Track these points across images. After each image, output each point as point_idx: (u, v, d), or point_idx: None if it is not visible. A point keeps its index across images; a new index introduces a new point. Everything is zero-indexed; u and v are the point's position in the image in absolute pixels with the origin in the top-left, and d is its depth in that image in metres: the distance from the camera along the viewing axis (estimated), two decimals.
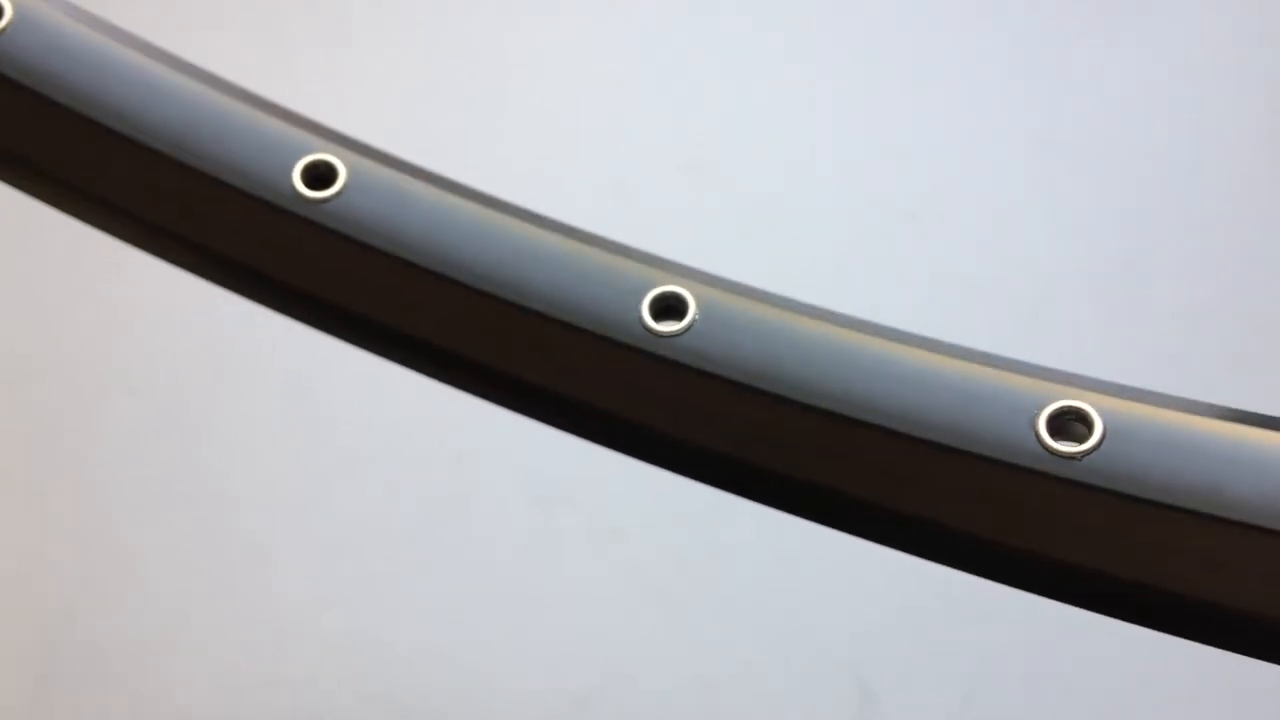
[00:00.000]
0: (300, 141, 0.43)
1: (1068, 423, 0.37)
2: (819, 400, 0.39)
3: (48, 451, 1.21)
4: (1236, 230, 1.31)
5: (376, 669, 1.10)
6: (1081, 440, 0.37)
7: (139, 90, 0.44)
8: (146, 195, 0.44)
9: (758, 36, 1.44)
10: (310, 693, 1.10)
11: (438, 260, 0.42)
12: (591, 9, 1.46)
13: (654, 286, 0.41)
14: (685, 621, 1.12)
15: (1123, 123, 1.36)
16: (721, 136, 1.37)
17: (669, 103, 1.39)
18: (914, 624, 1.12)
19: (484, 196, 0.43)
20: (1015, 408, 0.38)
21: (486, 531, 1.17)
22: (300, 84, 1.32)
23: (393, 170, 0.43)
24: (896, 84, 1.40)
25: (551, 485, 1.17)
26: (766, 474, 0.40)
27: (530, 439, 1.02)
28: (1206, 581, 0.36)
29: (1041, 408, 0.37)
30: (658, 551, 1.15)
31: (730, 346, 0.40)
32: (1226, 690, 1.08)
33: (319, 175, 0.43)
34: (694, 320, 0.40)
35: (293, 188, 0.42)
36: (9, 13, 0.44)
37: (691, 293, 0.40)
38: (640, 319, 0.40)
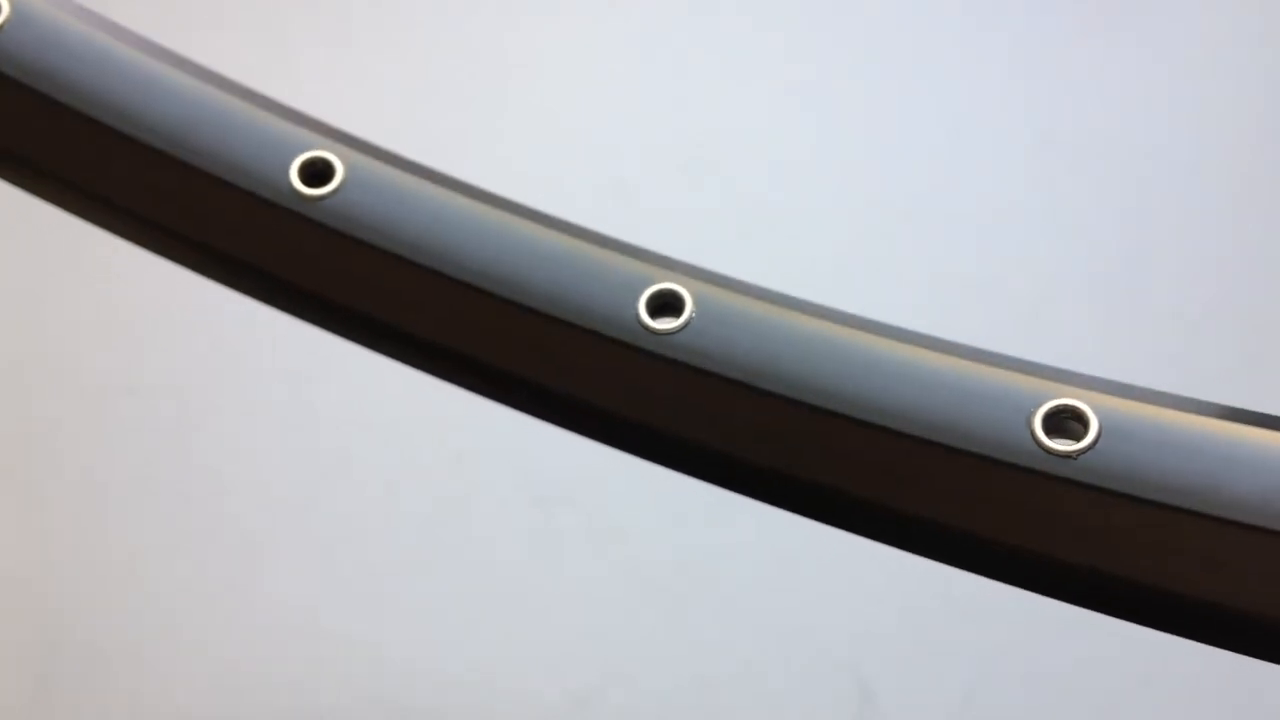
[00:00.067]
0: (297, 138, 0.43)
1: (1063, 421, 0.37)
2: (814, 398, 0.39)
3: (48, 451, 1.21)
4: (1236, 230, 1.31)
5: (376, 669, 1.10)
6: (1077, 439, 0.37)
7: (135, 87, 0.44)
8: (143, 192, 0.44)
9: (758, 36, 1.44)
10: (310, 693, 1.10)
11: (434, 257, 0.42)
12: (591, 9, 1.46)
13: (651, 284, 0.41)
14: (685, 621, 1.12)
15: (1123, 123, 1.36)
16: (721, 136, 1.37)
17: (669, 103, 1.39)
18: (914, 624, 1.11)
19: (481, 193, 0.43)
20: (1011, 406, 0.38)
21: (486, 531, 1.17)
22: (300, 84, 1.32)
23: (390, 167, 0.43)
24: (896, 84, 1.40)
25: (551, 485, 1.17)
26: (761, 470, 0.40)
27: (530, 439, 1.02)
28: (1202, 580, 0.36)
29: (1037, 406, 0.37)
30: (658, 551, 1.15)
31: (727, 344, 0.40)
32: (1226, 690, 1.08)
33: (316, 172, 0.43)
34: (691, 318, 0.40)
35: (290, 185, 0.42)
36: (6, 10, 0.44)
37: (688, 290, 0.40)
38: (637, 316, 0.40)
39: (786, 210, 1.32)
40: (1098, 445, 0.37)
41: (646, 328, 0.40)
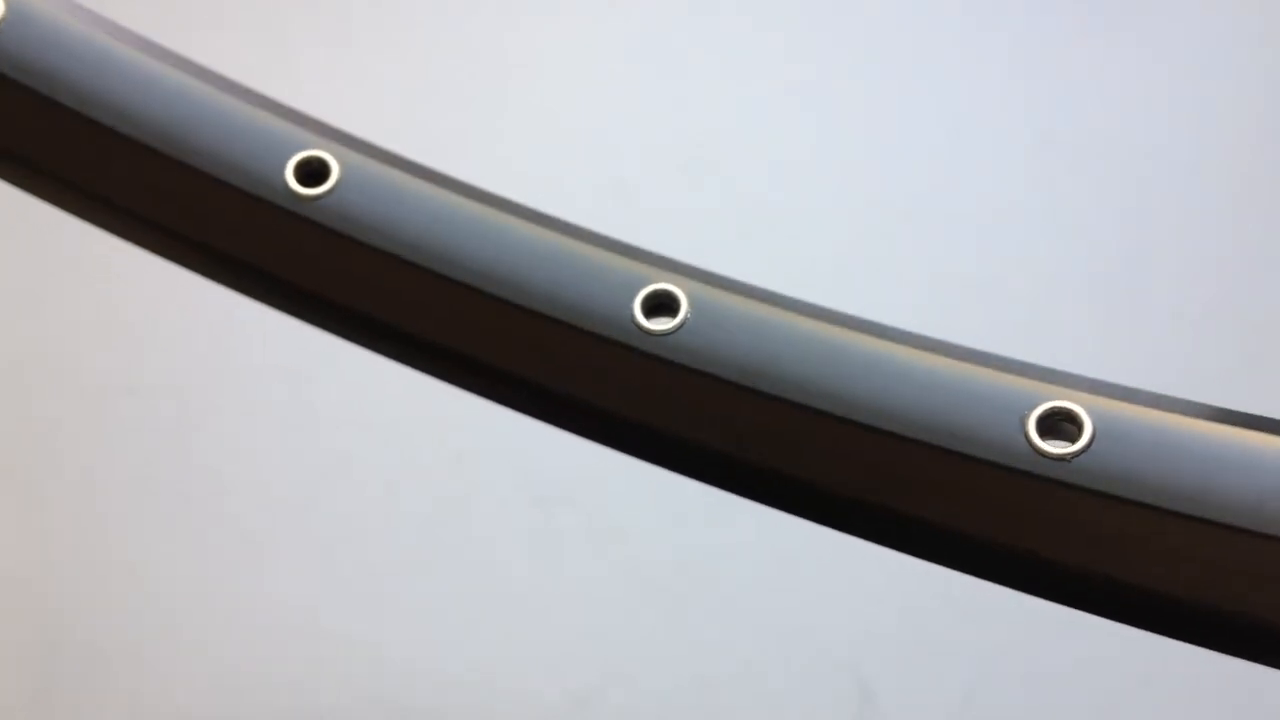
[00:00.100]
0: (293, 137, 0.43)
1: (1057, 423, 0.37)
2: (809, 398, 0.39)
3: (48, 451, 1.21)
4: (1236, 230, 1.31)
5: (376, 669, 1.10)
6: (1071, 441, 0.37)
7: (131, 86, 0.44)
8: (139, 191, 0.44)
9: (758, 36, 1.44)
10: (310, 693, 1.10)
11: (430, 256, 0.42)
12: (591, 9, 1.46)
13: (646, 284, 0.41)
14: (685, 621, 1.12)
15: (1123, 123, 1.36)
16: (721, 136, 1.37)
17: (669, 103, 1.39)
18: (914, 624, 1.11)
19: (477, 192, 0.43)
20: (1005, 408, 0.38)
21: (486, 531, 1.17)
22: (300, 84, 1.32)
23: (385, 166, 0.43)
24: (896, 84, 1.40)
25: (551, 485, 1.17)
26: (757, 471, 0.40)
27: (530, 439, 1.02)
28: (1194, 583, 0.36)
29: (1031, 408, 0.37)
30: (658, 551, 1.15)
31: (721, 344, 0.40)
32: (1226, 690, 1.08)
33: (312, 172, 0.43)
34: (686, 318, 0.40)
35: (286, 184, 0.42)
36: (2, 9, 0.44)
37: (683, 290, 0.40)
38: (632, 317, 0.40)
39: (786, 210, 1.32)
40: (1092, 447, 0.37)
41: (642, 328, 0.40)
